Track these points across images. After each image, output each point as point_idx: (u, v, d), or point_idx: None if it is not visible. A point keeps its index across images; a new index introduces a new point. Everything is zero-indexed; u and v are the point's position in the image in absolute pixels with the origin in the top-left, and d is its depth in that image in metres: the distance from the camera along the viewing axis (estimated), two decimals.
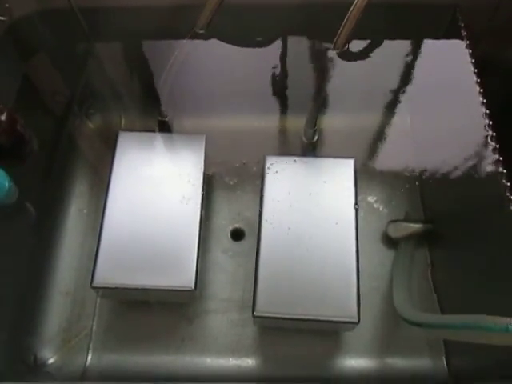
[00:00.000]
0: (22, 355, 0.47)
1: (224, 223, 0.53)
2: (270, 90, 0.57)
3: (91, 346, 0.48)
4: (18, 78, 0.50)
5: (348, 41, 0.49)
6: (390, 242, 0.52)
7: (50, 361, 0.47)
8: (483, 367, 0.42)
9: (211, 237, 0.52)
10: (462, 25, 0.51)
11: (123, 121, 0.56)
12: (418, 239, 0.52)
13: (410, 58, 0.56)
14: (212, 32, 0.52)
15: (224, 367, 0.47)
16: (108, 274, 0.44)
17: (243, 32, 0.55)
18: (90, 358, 0.47)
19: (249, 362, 0.47)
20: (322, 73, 0.55)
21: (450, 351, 0.47)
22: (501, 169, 0.44)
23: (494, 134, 0.45)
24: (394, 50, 0.56)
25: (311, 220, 0.46)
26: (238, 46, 0.55)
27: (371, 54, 0.55)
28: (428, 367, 0.47)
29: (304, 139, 0.54)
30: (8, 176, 0.42)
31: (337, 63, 0.54)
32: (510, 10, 0.51)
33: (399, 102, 0.57)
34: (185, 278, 0.44)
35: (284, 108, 0.58)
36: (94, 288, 0.44)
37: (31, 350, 0.47)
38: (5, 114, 0.41)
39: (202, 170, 0.48)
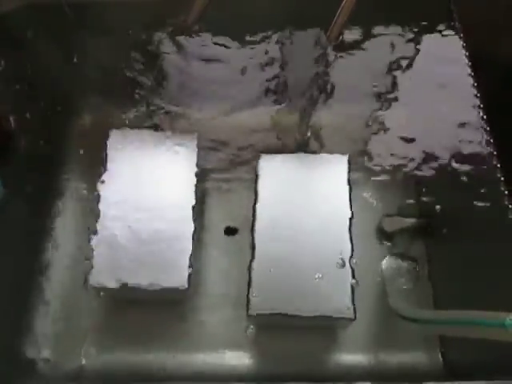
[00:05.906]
0: (16, 355, 0.46)
1: (218, 221, 0.53)
2: (263, 86, 0.56)
3: (86, 345, 0.47)
4: (4, 74, 0.49)
5: (341, 33, 0.49)
6: (384, 236, 0.52)
7: (45, 360, 0.47)
8: (479, 361, 0.42)
9: (205, 235, 0.52)
10: (456, 16, 0.51)
11: (114, 118, 0.56)
12: (413, 234, 0.52)
13: (401, 50, 0.55)
14: (204, 26, 0.52)
15: (219, 364, 0.47)
16: (102, 273, 0.44)
17: (236, 26, 0.54)
18: (84, 357, 0.47)
19: (244, 359, 0.47)
20: (315, 67, 0.55)
21: (445, 345, 0.47)
22: (496, 162, 0.44)
23: (488, 127, 0.45)
24: (385, 41, 0.55)
25: (305, 217, 0.46)
26: (231, 39, 0.54)
27: (362, 46, 0.54)
28: (423, 362, 0.47)
29: (298, 136, 0.53)
30: None
31: (330, 56, 0.53)
32: (505, 0, 0.51)
33: (392, 95, 0.56)
34: (178, 276, 0.44)
35: (278, 105, 0.57)
36: (89, 287, 0.44)
37: (26, 349, 0.47)
38: None
39: (195, 168, 0.48)
